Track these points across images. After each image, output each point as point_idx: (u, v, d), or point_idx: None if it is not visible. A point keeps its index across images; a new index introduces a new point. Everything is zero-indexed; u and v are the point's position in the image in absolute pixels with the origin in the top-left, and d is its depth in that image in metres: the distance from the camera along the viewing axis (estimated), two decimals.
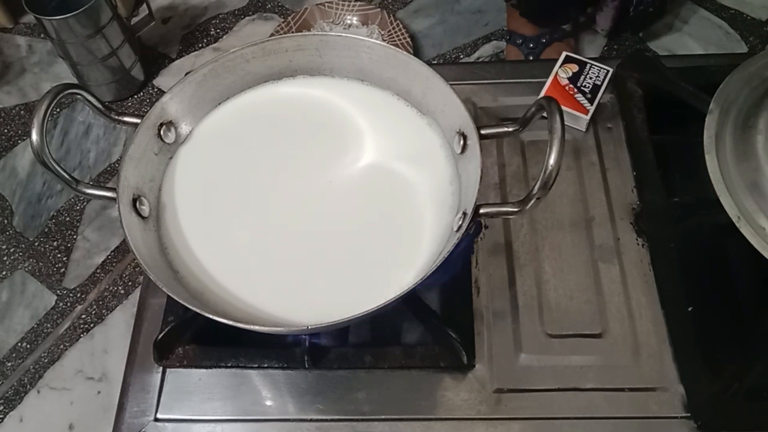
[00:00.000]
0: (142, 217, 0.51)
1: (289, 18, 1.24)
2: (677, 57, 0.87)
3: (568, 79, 0.65)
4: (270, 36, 0.57)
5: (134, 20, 1.26)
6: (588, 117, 0.64)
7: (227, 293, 0.49)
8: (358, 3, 1.24)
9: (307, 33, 0.56)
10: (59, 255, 1.02)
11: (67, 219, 1.05)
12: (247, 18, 1.31)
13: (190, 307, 0.43)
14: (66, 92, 0.48)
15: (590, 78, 0.65)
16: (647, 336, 0.54)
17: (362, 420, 0.52)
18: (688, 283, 0.54)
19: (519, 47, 1.11)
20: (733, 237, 0.49)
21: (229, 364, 0.54)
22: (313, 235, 0.52)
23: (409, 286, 0.43)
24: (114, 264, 1.00)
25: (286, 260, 0.51)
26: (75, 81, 1.17)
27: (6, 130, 1.18)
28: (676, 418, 0.50)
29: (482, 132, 0.48)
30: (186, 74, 0.55)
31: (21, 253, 1.02)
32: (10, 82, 1.24)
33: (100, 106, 0.51)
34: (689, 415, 0.50)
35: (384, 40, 1.16)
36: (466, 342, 0.52)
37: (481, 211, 0.45)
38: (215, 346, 0.55)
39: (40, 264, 1.01)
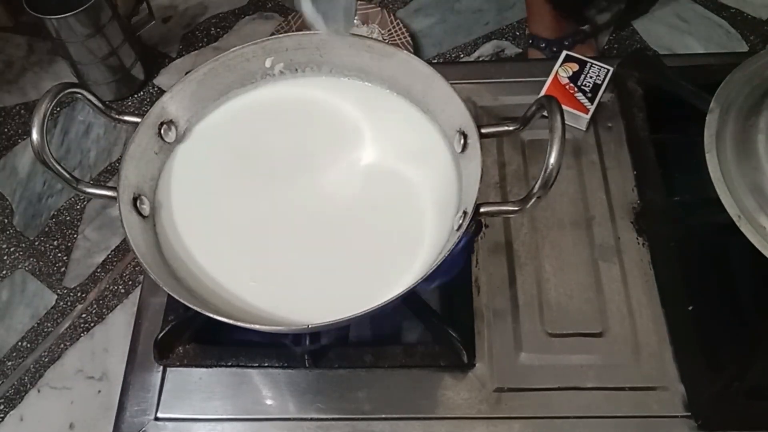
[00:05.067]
0: (143, 216, 0.51)
1: (290, 17, 1.24)
2: (678, 56, 0.87)
3: (569, 78, 0.65)
4: (270, 35, 0.57)
5: (134, 19, 1.26)
6: (588, 116, 0.64)
7: (227, 292, 0.49)
8: (359, 2, 1.24)
9: (308, 32, 0.56)
10: (59, 254, 1.02)
11: (68, 218, 1.05)
12: (247, 17, 1.30)
13: (190, 306, 0.43)
14: (66, 91, 0.48)
15: (590, 77, 0.65)
16: (647, 335, 0.54)
17: (362, 419, 0.52)
18: (688, 282, 0.54)
19: (542, 51, 1.11)
20: (733, 236, 0.49)
21: (230, 363, 0.54)
22: (313, 233, 0.52)
23: (409, 285, 0.43)
24: (114, 263, 1.00)
25: (287, 259, 0.51)
26: (75, 80, 1.17)
27: (6, 130, 1.17)
28: (677, 417, 0.50)
29: (483, 131, 0.48)
30: (186, 73, 0.55)
31: (21, 253, 1.02)
32: (11, 82, 1.24)
33: (100, 105, 0.51)
34: (690, 414, 0.50)
35: (384, 39, 1.16)
36: (466, 341, 0.52)
37: (482, 209, 0.45)
38: (216, 345, 0.55)
39: (41, 263, 1.01)
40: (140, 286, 0.67)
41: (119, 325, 0.94)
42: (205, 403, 0.54)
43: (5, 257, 1.02)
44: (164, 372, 0.55)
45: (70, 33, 1.05)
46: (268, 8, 1.31)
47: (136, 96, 1.20)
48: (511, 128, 0.48)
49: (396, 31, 1.19)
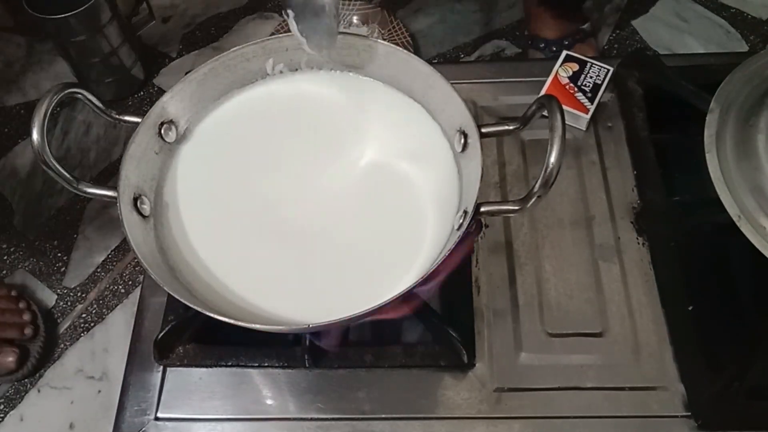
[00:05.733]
0: (143, 216, 0.51)
1: None
2: (678, 56, 0.87)
3: (569, 78, 0.65)
4: (270, 35, 0.57)
5: (134, 19, 1.26)
6: (588, 116, 0.64)
7: (228, 292, 0.49)
8: (359, 2, 1.24)
9: None
10: (59, 254, 1.02)
11: (68, 218, 1.05)
12: (247, 17, 1.31)
13: (190, 305, 0.43)
14: (66, 92, 0.48)
15: (591, 77, 0.65)
16: (648, 335, 0.54)
17: (362, 419, 0.52)
18: (688, 282, 0.54)
19: (542, 51, 1.11)
20: (733, 236, 0.49)
21: (230, 363, 0.54)
22: (313, 232, 0.52)
23: (409, 285, 0.43)
24: (114, 263, 1.00)
25: (287, 258, 0.51)
26: (75, 80, 1.17)
27: (6, 130, 1.17)
28: (677, 417, 0.50)
29: (483, 130, 0.48)
30: (186, 73, 0.55)
31: (21, 252, 1.02)
32: (11, 82, 1.24)
33: (100, 105, 0.51)
34: (690, 414, 0.50)
35: (384, 39, 1.16)
36: (466, 341, 0.52)
37: (482, 209, 0.45)
38: (215, 345, 0.55)
39: (41, 263, 1.01)
40: (140, 286, 0.67)
41: (119, 325, 0.94)
42: (205, 403, 0.54)
43: (5, 257, 1.02)
44: (164, 372, 0.55)
45: (70, 33, 1.05)
46: (268, 8, 1.31)
47: (136, 96, 1.20)
48: (511, 128, 0.48)
49: (396, 31, 1.19)
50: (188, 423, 0.53)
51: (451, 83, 0.51)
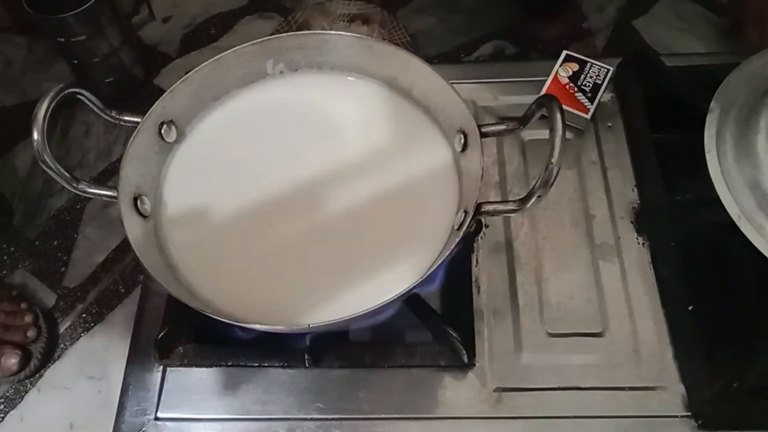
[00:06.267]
0: (143, 216, 0.51)
1: (290, 17, 1.24)
2: (678, 56, 0.87)
3: (569, 77, 0.65)
4: (270, 35, 0.57)
5: (134, 19, 1.26)
6: (588, 116, 0.64)
7: (228, 291, 0.49)
8: (359, 2, 1.24)
9: (308, 32, 0.56)
10: (59, 254, 1.01)
11: (68, 218, 1.05)
12: (247, 17, 1.30)
13: (191, 305, 0.43)
14: (66, 92, 0.48)
15: (591, 77, 0.65)
16: (648, 335, 0.54)
17: (363, 419, 0.52)
18: (688, 281, 0.54)
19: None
20: (733, 236, 0.49)
21: (230, 363, 0.54)
22: (313, 233, 0.52)
23: (409, 285, 0.43)
24: (115, 263, 1.00)
25: (287, 258, 0.51)
26: (75, 80, 1.17)
27: (6, 130, 1.17)
28: (677, 417, 0.50)
29: (483, 130, 0.48)
30: (186, 73, 0.55)
31: (21, 252, 1.02)
32: (11, 82, 1.24)
33: (100, 105, 0.51)
34: (690, 414, 0.50)
35: (384, 39, 1.16)
36: (466, 341, 0.52)
37: (482, 209, 0.45)
38: (216, 345, 0.55)
39: (41, 263, 1.00)
40: (140, 285, 0.67)
41: (119, 324, 0.94)
42: (205, 403, 0.54)
43: (5, 257, 1.02)
44: (164, 372, 0.55)
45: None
46: (268, 8, 1.31)
47: (136, 96, 1.20)
48: (511, 127, 0.48)
49: (396, 31, 1.19)
50: (188, 423, 0.53)
51: (451, 83, 0.51)
